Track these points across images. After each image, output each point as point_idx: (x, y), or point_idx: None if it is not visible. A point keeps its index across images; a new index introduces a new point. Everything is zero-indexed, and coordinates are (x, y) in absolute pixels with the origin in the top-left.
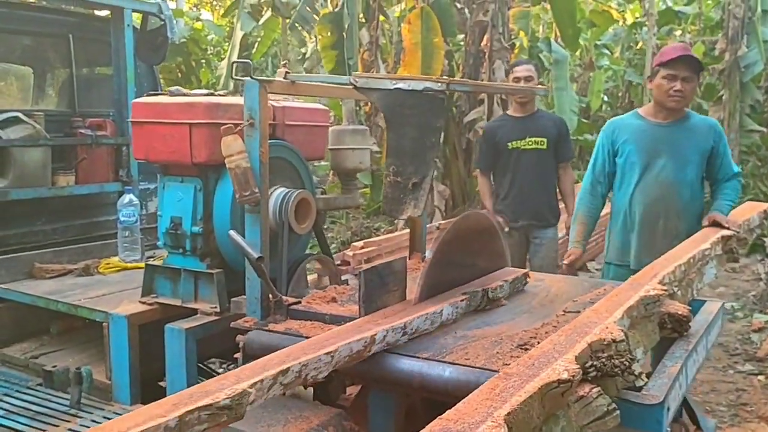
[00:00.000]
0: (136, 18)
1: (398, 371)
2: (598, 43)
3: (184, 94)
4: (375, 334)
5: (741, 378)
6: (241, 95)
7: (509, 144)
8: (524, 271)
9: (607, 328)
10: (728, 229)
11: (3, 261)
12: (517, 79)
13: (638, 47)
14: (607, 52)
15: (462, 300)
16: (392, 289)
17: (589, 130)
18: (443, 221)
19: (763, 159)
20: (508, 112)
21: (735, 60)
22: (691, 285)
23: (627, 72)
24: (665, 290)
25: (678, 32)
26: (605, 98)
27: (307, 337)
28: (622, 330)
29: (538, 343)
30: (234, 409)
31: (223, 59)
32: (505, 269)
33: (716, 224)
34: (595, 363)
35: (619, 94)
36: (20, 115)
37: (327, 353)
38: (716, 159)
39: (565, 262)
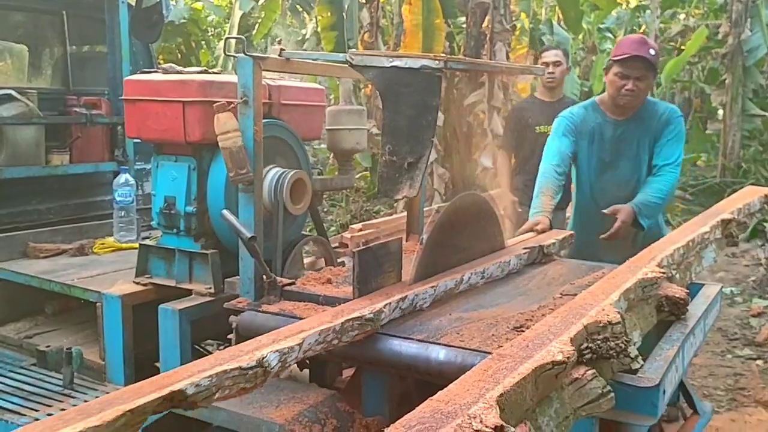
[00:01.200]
0: None
1: (392, 353)
2: (601, 26)
3: (178, 72)
4: (463, 275)
5: (739, 363)
6: (236, 73)
7: (537, 128)
8: (570, 232)
9: (603, 310)
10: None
11: None
12: (546, 65)
13: (641, 31)
14: (610, 35)
15: (524, 252)
16: (387, 270)
17: None
18: (443, 204)
19: (765, 144)
20: (536, 94)
21: (738, 44)
22: (689, 268)
23: None
24: (663, 273)
25: (681, 16)
26: None
27: (300, 318)
28: (619, 312)
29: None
30: (375, 321)
31: (222, 40)
32: (555, 230)
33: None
34: (590, 345)
35: None
36: (13, 92)
37: (431, 287)
38: (657, 146)
39: (537, 228)
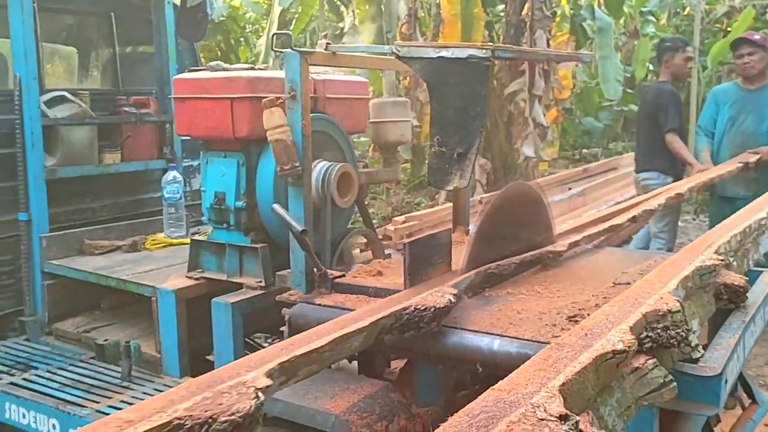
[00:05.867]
0: None
1: (446, 345)
2: (644, 9)
3: (225, 69)
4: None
5: None
6: (281, 68)
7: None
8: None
9: (661, 298)
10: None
11: (54, 238)
12: (690, 58)
13: (685, 13)
14: (652, 18)
15: (741, 163)
16: (437, 261)
17: (633, 100)
18: (485, 195)
19: None
20: (664, 79)
21: None
22: (747, 255)
23: None
24: (721, 260)
25: None
26: (650, 67)
27: (352, 311)
28: (678, 300)
29: (588, 315)
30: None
31: (261, 36)
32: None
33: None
34: (650, 334)
35: None
36: (66, 94)
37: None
38: None
39: (703, 168)
